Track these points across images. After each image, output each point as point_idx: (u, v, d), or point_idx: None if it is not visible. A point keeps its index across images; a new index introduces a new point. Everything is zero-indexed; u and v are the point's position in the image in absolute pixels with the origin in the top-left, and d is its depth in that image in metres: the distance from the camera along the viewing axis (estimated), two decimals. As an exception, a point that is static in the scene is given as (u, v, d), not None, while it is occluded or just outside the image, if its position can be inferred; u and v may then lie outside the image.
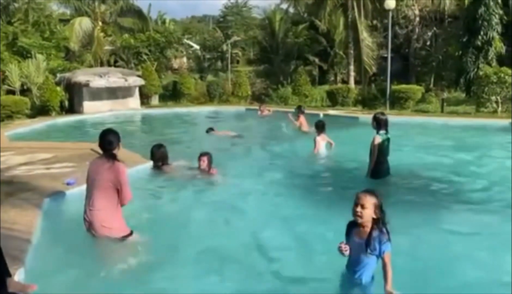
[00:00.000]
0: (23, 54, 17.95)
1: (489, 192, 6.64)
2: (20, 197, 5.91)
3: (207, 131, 11.70)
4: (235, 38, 32.48)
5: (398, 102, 15.71)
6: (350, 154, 9.03)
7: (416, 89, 16.29)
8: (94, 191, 4.58)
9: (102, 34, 23.00)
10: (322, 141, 8.89)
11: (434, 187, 6.90)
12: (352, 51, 20.62)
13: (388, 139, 6.73)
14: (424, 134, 11.73)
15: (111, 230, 4.56)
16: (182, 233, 5.09)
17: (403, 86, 16.67)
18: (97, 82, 16.20)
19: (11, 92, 16.03)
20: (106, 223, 4.53)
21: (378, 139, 6.57)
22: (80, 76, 16.53)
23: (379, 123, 6.68)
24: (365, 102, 17.14)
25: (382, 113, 7.13)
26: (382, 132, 6.65)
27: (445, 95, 17.07)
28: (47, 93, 15.60)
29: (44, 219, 5.32)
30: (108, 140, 4.61)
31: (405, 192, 6.68)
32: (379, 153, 6.61)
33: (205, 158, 7.18)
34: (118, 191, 4.52)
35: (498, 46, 15.41)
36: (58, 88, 16.17)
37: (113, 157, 4.58)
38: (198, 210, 5.81)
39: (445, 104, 15.01)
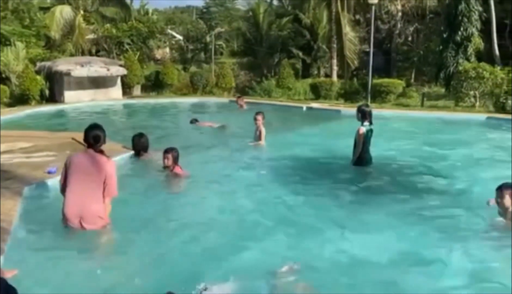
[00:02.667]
0: (2, 41, 17.56)
1: (460, 183, 6.79)
2: (0, 185, 5.86)
3: (191, 122, 11.71)
4: (218, 29, 32.36)
5: (379, 96, 15.95)
6: (333, 146, 9.21)
7: (397, 83, 16.55)
8: (81, 185, 4.54)
9: (83, 23, 22.58)
10: (263, 129, 8.96)
11: (410, 178, 7.11)
12: (335, 45, 20.77)
13: (371, 130, 7.07)
14: (403, 127, 11.95)
15: (100, 221, 4.58)
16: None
17: (385, 80, 16.93)
18: (79, 71, 15.97)
19: (-11, 80, 15.71)
20: (97, 215, 4.54)
21: (363, 130, 6.94)
22: (61, 65, 16.28)
23: (364, 115, 7.04)
24: (347, 95, 17.33)
25: (367, 105, 7.56)
26: (366, 123, 7.01)
27: (426, 89, 17.39)
28: (26, 82, 15.33)
29: (25, 207, 5.31)
30: (96, 135, 4.61)
31: (384, 181, 6.94)
32: (363, 143, 6.97)
33: (169, 155, 6.66)
34: (104, 186, 4.53)
35: (477, 42, 15.75)
36: (38, 77, 15.90)
37: (100, 152, 4.61)
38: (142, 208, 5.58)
39: (425, 98, 15.29)
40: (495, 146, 9.72)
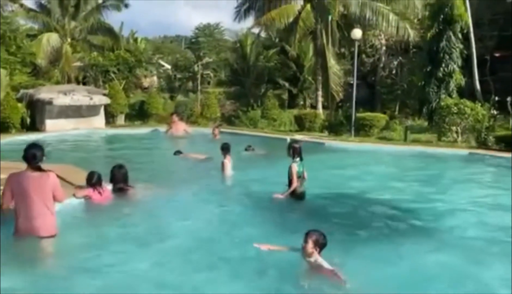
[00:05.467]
0: (-15, 68, 17.41)
1: (440, 220, 6.80)
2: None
3: (175, 154, 11.55)
4: (207, 59, 32.65)
5: (363, 129, 16.02)
6: (314, 180, 9.11)
7: (380, 117, 16.69)
8: (28, 201, 5.00)
9: (70, 51, 22.59)
10: (228, 162, 9.21)
11: (386, 213, 7.12)
12: (320, 77, 21.01)
13: (302, 165, 7.48)
14: (385, 161, 11.96)
15: (52, 229, 5.19)
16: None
17: (368, 113, 17.07)
18: (61, 100, 15.82)
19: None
20: (50, 226, 5.16)
21: (295, 167, 7.36)
22: (44, 93, 16.14)
23: (294, 151, 7.50)
24: (331, 127, 17.40)
25: (296, 142, 8.12)
26: (297, 159, 7.46)
27: (409, 122, 17.54)
28: (7, 110, 15.11)
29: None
30: (33, 154, 5.04)
31: (353, 217, 7.00)
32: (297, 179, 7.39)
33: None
34: (52, 197, 5.12)
35: (458, 78, 16.03)
36: (20, 105, 15.70)
37: (39, 169, 5.06)
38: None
39: (408, 132, 15.40)
40: (476, 182, 9.76)
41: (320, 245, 4.48)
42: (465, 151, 12.74)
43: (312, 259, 4.50)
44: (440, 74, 15.80)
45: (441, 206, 7.54)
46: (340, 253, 4.93)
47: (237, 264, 4.93)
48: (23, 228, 5.07)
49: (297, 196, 7.45)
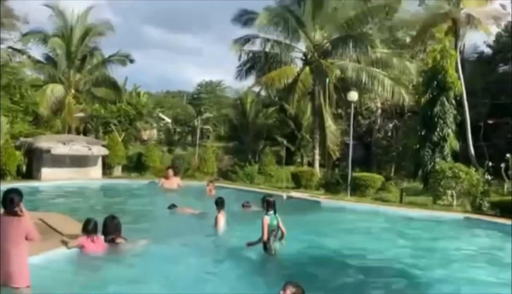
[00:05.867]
0: (-12, 115, 17.71)
1: (434, 286, 6.66)
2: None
3: (170, 207, 11.50)
4: (207, 114, 33.25)
5: (359, 189, 16.05)
6: (308, 239, 9.03)
7: (376, 178, 16.77)
8: (5, 245, 5.07)
9: (73, 102, 23.07)
10: (222, 217, 9.32)
11: (376, 276, 7.05)
12: (317, 136, 21.37)
13: (276, 219, 7.60)
14: (379, 223, 11.86)
15: (23, 279, 5.18)
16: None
17: (364, 174, 17.17)
18: (59, 149, 15.96)
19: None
20: (20, 272, 5.16)
21: (267, 220, 7.49)
22: (43, 142, 16.31)
23: (269, 205, 7.65)
24: (328, 186, 17.43)
25: (270, 195, 8.31)
26: (270, 212, 7.59)
27: (405, 184, 17.58)
28: (4, 157, 15.20)
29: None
30: (10, 199, 5.12)
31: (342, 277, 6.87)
32: (269, 232, 7.47)
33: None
34: (27, 239, 5.16)
35: (453, 142, 16.29)
36: (17, 152, 15.81)
37: (15, 214, 5.11)
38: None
39: (404, 193, 15.40)
40: (471, 247, 9.65)
41: None
42: (460, 216, 12.68)
43: None
44: (435, 138, 16.06)
45: (437, 273, 7.40)
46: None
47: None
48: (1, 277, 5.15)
49: (269, 249, 7.46)
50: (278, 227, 7.57)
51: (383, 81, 20.08)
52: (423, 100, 16.96)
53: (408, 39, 25.24)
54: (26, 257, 5.31)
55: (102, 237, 7.43)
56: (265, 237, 7.43)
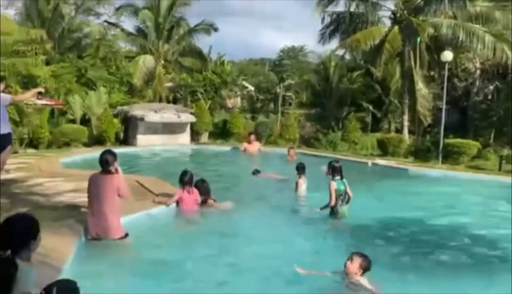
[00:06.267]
0: (89, 86, 19.23)
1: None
2: (63, 224, 6.12)
3: (254, 173, 11.74)
4: (289, 81, 32.95)
5: (451, 156, 15.00)
6: (395, 208, 8.69)
7: (472, 145, 15.51)
8: (99, 201, 5.73)
9: (163, 72, 24.17)
10: (303, 183, 9.27)
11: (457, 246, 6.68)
12: (407, 101, 20.19)
13: (343, 184, 7.60)
14: (473, 192, 10.99)
15: (118, 231, 5.80)
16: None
17: (458, 140, 15.94)
18: (152, 117, 16.90)
19: (72, 121, 17.07)
20: (113, 226, 5.75)
21: (334, 185, 7.54)
22: (137, 110, 17.35)
23: (334, 171, 7.65)
24: (417, 153, 16.53)
25: (337, 161, 8.14)
26: (337, 178, 7.59)
27: (505, 152, 16.08)
28: (104, 124, 16.47)
29: (81, 248, 5.51)
30: (105, 159, 5.77)
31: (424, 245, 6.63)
32: (336, 197, 7.54)
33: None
34: (119, 197, 5.78)
35: None
36: (115, 120, 17.03)
37: (109, 172, 5.77)
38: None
39: (504, 161, 14.12)
40: None
41: (364, 269, 4.48)
42: None
43: (353, 280, 4.49)
44: (544, 100, 14.37)
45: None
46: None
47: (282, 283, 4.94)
48: (92, 226, 5.81)
49: (336, 213, 7.58)
50: (346, 192, 7.60)
51: (483, 37, 18.13)
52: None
53: (514, -11, 22.43)
54: (119, 211, 5.91)
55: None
56: (333, 202, 7.54)
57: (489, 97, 23.60)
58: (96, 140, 16.58)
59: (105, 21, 24.17)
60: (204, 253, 5.73)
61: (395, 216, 8.20)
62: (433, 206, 9.13)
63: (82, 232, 5.97)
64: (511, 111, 18.80)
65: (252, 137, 16.69)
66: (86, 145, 16.22)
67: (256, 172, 11.75)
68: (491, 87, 23.17)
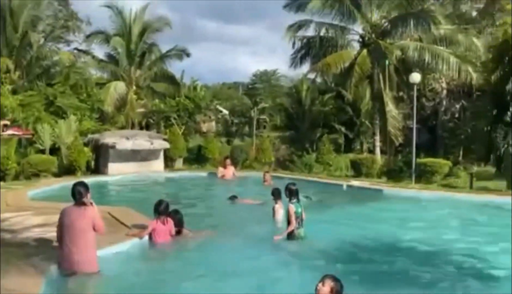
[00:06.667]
0: (59, 114, 18.79)
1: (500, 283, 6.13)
2: (30, 262, 5.89)
3: (230, 199, 11.60)
4: (263, 104, 33.24)
5: (424, 175, 15.27)
6: (371, 231, 8.70)
7: (443, 163, 15.85)
8: (73, 234, 5.60)
9: (135, 98, 23.94)
10: (280, 208, 8.99)
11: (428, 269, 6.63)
12: (378, 121, 20.59)
13: (300, 206, 7.69)
14: (446, 211, 11.16)
15: (93, 264, 5.70)
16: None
17: (429, 159, 16.26)
18: (123, 144, 16.59)
19: (41, 150, 16.58)
20: (89, 259, 5.66)
21: (293, 208, 7.58)
22: (108, 138, 17.02)
23: (291, 193, 7.72)
24: (390, 173, 16.75)
25: (293, 183, 8.08)
26: (294, 201, 7.67)
27: (475, 169, 16.49)
28: (75, 153, 16.05)
29: (47, 288, 5.22)
30: (78, 191, 5.69)
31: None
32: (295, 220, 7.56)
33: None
34: (94, 230, 5.67)
35: (529, 122, 15.06)
36: (86, 149, 16.63)
37: (83, 204, 5.66)
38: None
39: (474, 178, 14.46)
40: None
41: (336, 293, 4.32)
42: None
43: None
44: (508, 118, 14.92)
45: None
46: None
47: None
48: (66, 260, 5.64)
49: (294, 236, 7.57)
50: (301, 214, 7.68)
51: (448, 59, 18.81)
52: (493, 77, 15.75)
53: (474, 13, 23.52)
54: (95, 244, 5.77)
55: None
56: (293, 226, 7.53)
57: (456, 115, 24.36)
58: (66, 170, 16.10)
59: (76, 48, 23.94)
60: (177, 290, 5.55)
61: (370, 238, 8.22)
62: (407, 226, 9.21)
63: (51, 270, 5.71)
64: (478, 129, 19.36)
65: (228, 161, 16.59)
66: (56, 175, 15.73)
67: (233, 198, 11.63)
68: (458, 106, 23.96)
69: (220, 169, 16.26)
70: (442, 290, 5.89)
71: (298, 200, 7.74)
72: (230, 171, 16.18)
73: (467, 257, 7.20)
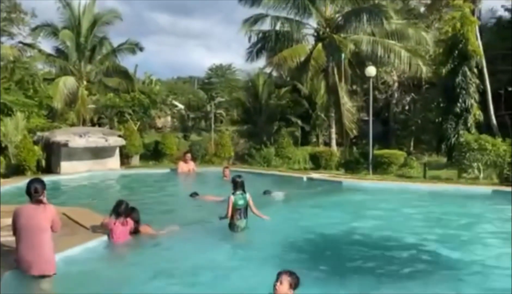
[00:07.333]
0: (5, 112, 17.69)
1: (462, 262, 6.47)
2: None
3: (191, 195, 11.38)
4: (219, 99, 33.01)
5: (380, 166, 15.73)
6: (331, 222, 8.83)
7: (399, 154, 16.41)
8: (31, 234, 5.26)
9: (86, 93, 22.98)
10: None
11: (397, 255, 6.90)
12: (333, 114, 20.99)
13: (244, 199, 7.87)
14: (404, 200, 11.55)
15: (52, 264, 5.39)
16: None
17: (386, 151, 16.79)
18: (76, 142, 15.86)
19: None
20: (48, 260, 5.34)
21: (232, 199, 7.82)
22: (59, 135, 16.21)
23: (235, 185, 7.93)
24: (347, 165, 17.13)
25: (239, 176, 8.28)
26: (238, 193, 7.86)
27: (426, 159, 17.21)
28: (24, 153, 15.18)
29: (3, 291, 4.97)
30: (34, 188, 5.33)
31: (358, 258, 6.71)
32: (234, 211, 7.79)
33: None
34: (51, 228, 5.37)
35: (477, 113, 15.84)
36: (36, 148, 15.77)
37: (40, 202, 5.34)
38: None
39: (427, 168, 15.07)
40: (502, 222, 9.33)
41: (295, 286, 4.29)
42: (488, 189, 12.31)
43: None
44: (458, 110, 15.64)
45: (467, 251, 7.13)
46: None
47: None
48: (23, 262, 5.31)
49: (233, 227, 7.82)
50: (246, 206, 7.86)
51: (399, 53, 19.47)
52: (443, 70, 16.44)
53: (422, 8, 24.45)
54: (52, 245, 5.44)
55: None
56: (228, 215, 7.80)
57: (407, 107, 25.34)
58: (15, 170, 15.20)
59: (20, 42, 22.61)
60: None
61: (330, 229, 8.34)
62: (366, 216, 9.42)
63: (5, 276, 5.36)
64: (429, 121, 20.18)
65: (188, 156, 16.29)
66: (4, 176, 14.80)
67: (194, 194, 11.42)
68: (408, 98, 24.92)
69: (181, 164, 15.96)
70: (399, 275, 6.04)
71: (244, 192, 7.88)
72: (190, 167, 15.94)
73: (425, 244, 7.45)
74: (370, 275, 6.00)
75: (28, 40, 23.73)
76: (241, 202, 7.82)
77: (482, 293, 5.34)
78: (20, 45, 22.36)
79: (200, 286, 5.64)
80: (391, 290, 5.45)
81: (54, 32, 23.20)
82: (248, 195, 7.95)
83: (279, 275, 4.27)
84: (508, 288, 5.40)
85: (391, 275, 6.02)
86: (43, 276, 5.33)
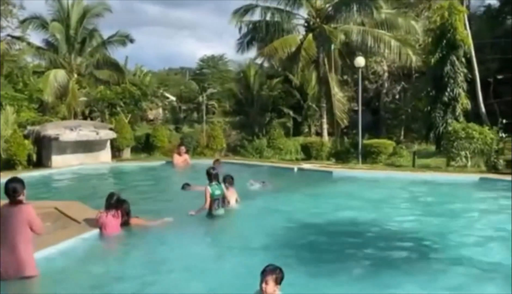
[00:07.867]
0: (-6, 106, 17.57)
1: (453, 250, 6.61)
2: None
3: (183, 187, 11.43)
4: (211, 90, 32.91)
5: (370, 156, 15.89)
6: (322, 212, 8.97)
7: (388, 144, 16.57)
8: (9, 235, 5.09)
9: (77, 86, 22.83)
10: (231, 195, 9.01)
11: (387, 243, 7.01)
12: (324, 105, 21.09)
13: (219, 189, 8.28)
14: (394, 189, 11.72)
15: (32, 267, 5.21)
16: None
17: (375, 140, 16.95)
18: (67, 136, 15.84)
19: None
20: (24, 261, 5.14)
21: (209, 190, 8.16)
22: (50, 129, 16.17)
23: (210, 177, 8.26)
24: (338, 155, 17.27)
25: (213, 168, 8.69)
26: (213, 183, 8.21)
27: (415, 147, 17.38)
28: (14, 147, 15.13)
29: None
30: (13, 188, 5.13)
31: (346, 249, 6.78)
32: (212, 201, 8.15)
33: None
34: (31, 229, 5.17)
35: (465, 102, 16.02)
36: (26, 142, 15.72)
37: (19, 202, 5.15)
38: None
39: (416, 157, 15.25)
40: (490, 209, 9.54)
41: (280, 281, 4.21)
42: (475, 177, 12.53)
43: None
44: (446, 99, 15.80)
45: (456, 238, 7.29)
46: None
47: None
48: (2, 265, 5.09)
49: (212, 216, 8.15)
50: (223, 196, 8.30)
51: (389, 42, 19.56)
52: (432, 60, 16.55)
53: (412, -2, 24.50)
54: (32, 246, 5.27)
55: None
56: (207, 206, 8.12)
57: (397, 97, 25.50)
58: (4, 165, 15.14)
59: (8, 35, 22.36)
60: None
61: (320, 218, 8.48)
62: (355, 206, 9.54)
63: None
64: (418, 110, 20.35)
65: (182, 148, 16.31)
66: (-7, 171, 14.75)
67: (186, 186, 11.47)
68: (398, 88, 25.07)
69: (176, 156, 15.98)
70: (389, 262, 6.18)
71: (219, 183, 8.32)
72: (185, 159, 15.98)
73: (415, 232, 7.61)
74: (359, 263, 6.13)
75: (17, 33, 23.45)
76: (217, 192, 8.20)
77: (469, 279, 5.47)
78: (9, 38, 22.10)
79: (191, 277, 5.67)
80: (382, 276, 5.55)
81: (43, 24, 23.03)
82: (223, 185, 8.42)
83: (262, 275, 4.16)
84: (496, 273, 5.59)
85: (381, 263, 6.13)
86: (22, 278, 5.16)
